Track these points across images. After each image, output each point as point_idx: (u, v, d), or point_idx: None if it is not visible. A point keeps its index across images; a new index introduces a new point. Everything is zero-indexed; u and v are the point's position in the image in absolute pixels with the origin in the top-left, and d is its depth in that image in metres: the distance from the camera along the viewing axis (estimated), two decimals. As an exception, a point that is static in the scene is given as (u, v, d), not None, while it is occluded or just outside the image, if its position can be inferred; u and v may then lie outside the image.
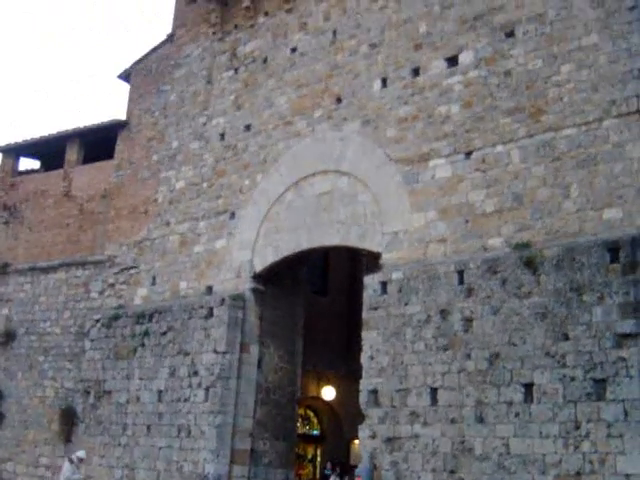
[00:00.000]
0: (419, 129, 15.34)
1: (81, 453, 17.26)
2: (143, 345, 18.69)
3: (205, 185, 19.28)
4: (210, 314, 17.44)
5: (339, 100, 17.02)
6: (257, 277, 17.56)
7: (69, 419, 20.10)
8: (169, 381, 17.70)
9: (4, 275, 23.82)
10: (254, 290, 17.54)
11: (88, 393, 19.59)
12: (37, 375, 21.63)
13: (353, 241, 16.01)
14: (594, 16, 13.56)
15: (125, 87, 23.06)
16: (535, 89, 13.89)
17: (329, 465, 20.02)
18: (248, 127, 18.80)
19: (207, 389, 16.85)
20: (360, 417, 14.55)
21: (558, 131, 13.40)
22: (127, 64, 23.37)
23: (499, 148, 14.07)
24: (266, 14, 19.50)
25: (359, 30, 17.16)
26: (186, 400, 17.16)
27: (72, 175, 23.36)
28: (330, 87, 17.27)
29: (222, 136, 19.35)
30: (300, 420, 22.22)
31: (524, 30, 14.40)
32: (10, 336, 22.73)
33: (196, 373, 17.18)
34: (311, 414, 24.33)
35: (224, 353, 16.88)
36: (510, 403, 12.31)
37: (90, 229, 22.25)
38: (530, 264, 12.71)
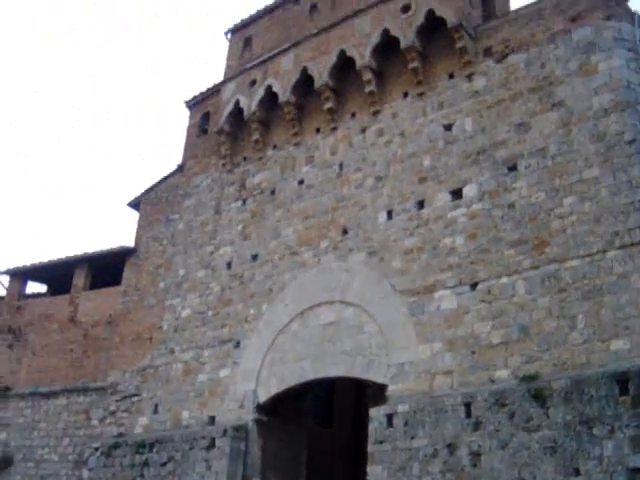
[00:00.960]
0: (424, 260, 15.46)
1: None
2: (142, 476, 18.21)
3: (210, 313, 19.28)
4: (212, 445, 17.07)
5: (345, 231, 17.25)
6: (260, 408, 17.27)
7: None
8: (167, 515, 17.18)
9: (4, 399, 23.52)
10: (257, 421, 17.22)
11: (84, 526, 19.00)
12: (32, 505, 21.02)
13: (358, 372, 15.84)
14: (594, 150, 13.94)
15: (134, 214, 23.48)
16: (538, 221, 14.10)
17: None
18: (255, 257, 18.98)
19: (203, 524, 16.33)
20: None
21: (563, 262, 13.50)
22: (137, 192, 23.86)
23: (504, 280, 14.14)
24: (275, 147, 20.07)
25: (365, 163, 17.59)
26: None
27: (78, 300, 23.44)
28: (336, 219, 17.55)
29: (229, 265, 19.51)
30: None
31: (526, 164, 14.76)
32: (7, 462, 22.22)
33: (195, 508, 16.69)
34: None
35: (225, 486, 16.43)
36: None
37: (94, 355, 22.13)
38: (538, 397, 12.53)
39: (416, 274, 15.47)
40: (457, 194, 15.59)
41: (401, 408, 14.28)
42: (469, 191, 15.40)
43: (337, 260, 17.11)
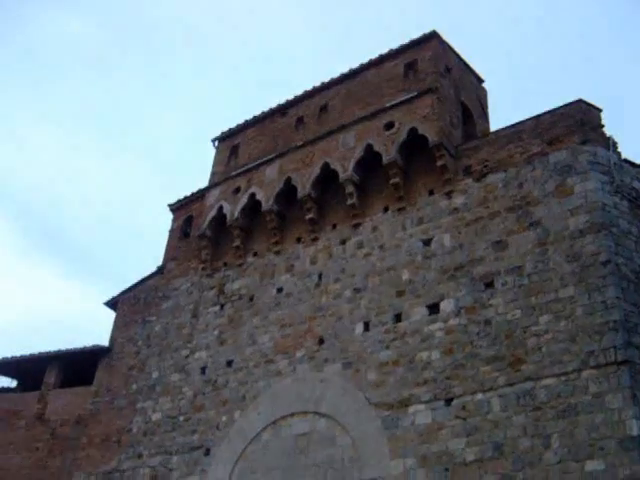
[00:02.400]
0: (399, 374, 15.45)
1: None
2: None
3: (182, 418, 18.98)
4: None
5: (321, 341, 17.26)
6: (227, 520, 16.85)
7: None
8: None
9: (-36, 502, 22.76)
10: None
11: None
12: None
13: (329, 485, 15.55)
14: (570, 269, 14.23)
15: (111, 314, 23.37)
16: (514, 338, 14.21)
17: None
18: (230, 363, 18.87)
19: None
20: None
21: (538, 381, 13.55)
22: (116, 291, 23.81)
23: (479, 396, 14.13)
24: (255, 254, 20.27)
25: (344, 274, 17.78)
26: None
27: (48, 398, 23.00)
28: (313, 328, 17.58)
29: (203, 370, 19.35)
30: None
31: (503, 281, 15.00)
32: None
33: None
34: None
35: None
36: None
37: (59, 455, 21.58)
38: (510, 521, 12.35)
39: (391, 387, 15.42)
40: (434, 308, 15.74)
41: (371, 526, 13.98)
42: (446, 306, 15.55)
43: (312, 370, 17.04)
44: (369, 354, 16.18)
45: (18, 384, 26.24)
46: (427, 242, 16.76)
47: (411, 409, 14.88)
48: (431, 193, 17.41)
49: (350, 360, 16.43)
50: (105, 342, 22.62)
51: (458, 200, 16.80)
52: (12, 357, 24.42)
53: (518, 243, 15.25)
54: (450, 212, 16.77)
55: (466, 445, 13.82)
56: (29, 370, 24.45)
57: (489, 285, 15.19)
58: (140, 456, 19.33)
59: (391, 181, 17.85)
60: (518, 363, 13.95)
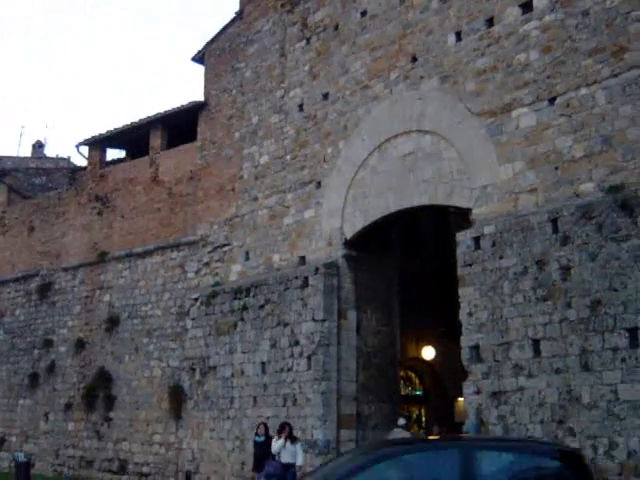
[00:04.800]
0: (499, 80, 15.06)
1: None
2: (243, 319, 19.09)
3: (289, 157, 19.44)
4: (305, 284, 17.67)
5: (414, 59, 16.81)
6: (348, 244, 17.67)
7: (177, 396, 20.77)
8: (271, 352, 18.06)
9: (103, 263, 24.62)
10: (346, 257, 17.68)
11: (194, 370, 20.16)
12: (143, 357, 22.38)
13: (441, 199, 15.90)
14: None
15: (200, 69, 23.37)
16: (615, 27, 13.43)
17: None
18: (326, 96, 18.81)
19: (309, 357, 17.14)
20: (462, 374, 14.55)
21: (642, 66, 12.97)
22: (199, 46, 23.62)
23: (583, 91, 13.69)
24: (333, -19, 19.41)
25: (429, -15, 16.90)
26: (289, 370, 17.49)
27: (158, 161, 23.88)
28: (404, 47, 17.09)
29: (300, 107, 19.43)
30: (402, 382, 22.39)
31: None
32: (114, 321, 23.55)
33: (297, 343, 17.48)
34: (413, 375, 24.48)
35: (322, 321, 17.11)
36: (615, 349, 12.06)
37: (180, 211, 22.74)
38: (625, 206, 12.37)
39: (492, 94, 15.12)
40: (527, 7, 14.89)
41: (487, 230, 14.37)
42: (539, 2, 14.70)
43: (409, 89, 16.81)
44: (465, 64, 15.72)
45: (127, 154, 27.27)
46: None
47: (514, 113, 14.63)
48: None
49: (446, 73, 16.04)
50: (201, 98, 22.83)
51: None
52: (119, 128, 25.12)
53: None
54: None
55: (574, 142, 13.64)
56: (135, 139, 25.23)
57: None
58: (256, 199, 20.13)
59: None
60: (621, 52, 13.24)
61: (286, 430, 15.00)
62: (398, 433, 15.23)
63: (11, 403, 26.41)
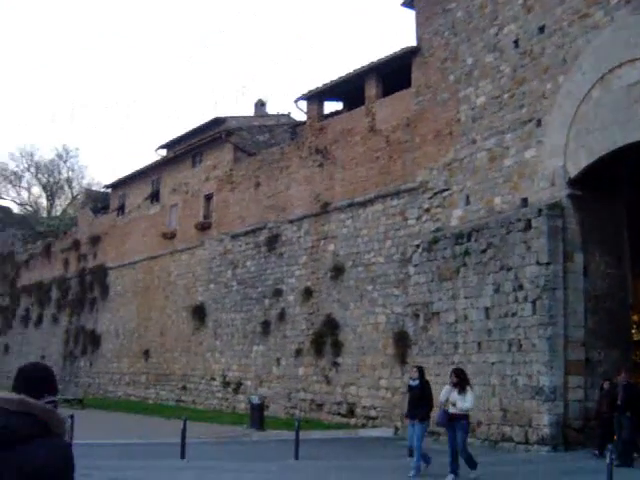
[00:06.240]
0: None
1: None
2: (465, 265, 18.87)
3: (506, 96, 18.78)
4: (528, 226, 17.10)
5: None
6: (572, 183, 16.87)
7: (402, 342, 21.07)
8: (494, 297, 17.74)
9: (326, 214, 25.27)
10: (571, 196, 16.89)
11: (417, 316, 20.29)
12: (368, 304, 22.85)
13: (673, 130, 14.74)
14: None
15: (410, 13, 23.04)
16: None
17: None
18: (542, 29, 17.90)
19: (534, 302, 16.64)
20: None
21: None
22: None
23: None
24: None
25: None
26: (514, 314, 17.10)
27: (374, 109, 24.00)
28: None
29: (516, 43, 18.65)
30: (634, 327, 21.20)
31: None
32: (339, 270, 24.18)
33: (521, 287, 17.02)
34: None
35: (547, 264, 16.52)
36: None
37: (399, 159, 22.78)
38: None
39: None
40: None
41: None
42: None
43: (632, 14, 15.59)
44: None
45: (344, 105, 27.63)
46: None
47: None
48: None
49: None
50: (413, 43, 22.57)
51: None
52: (335, 80, 25.49)
53: None
54: None
55: None
56: (350, 90, 25.49)
57: None
58: (474, 142, 19.71)
59: None
60: None
61: (453, 377, 13.07)
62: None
63: (246, 349, 28.09)
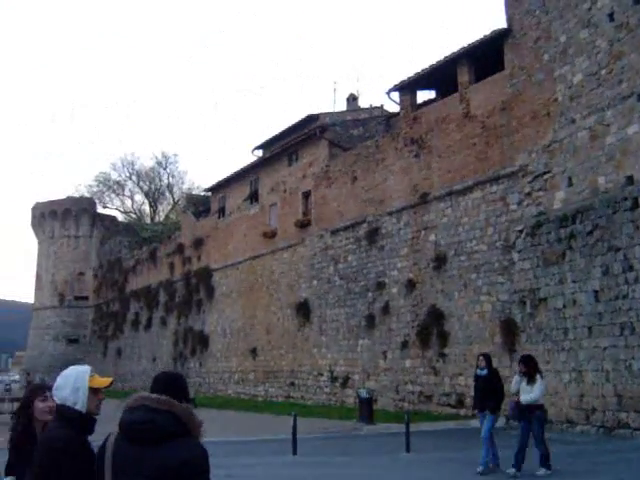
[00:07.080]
0: None
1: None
2: (571, 248, 18.37)
3: (604, 72, 18.17)
4: (636, 205, 16.50)
5: None
6: (679, 157, 16.21)
7: (510, 330, 20.69)
8: (604, 280, 17.19)
9: (425, 204, 25.08)
10: (679, 171, 16.24)
11: (524, 303, 19.88)
12: (472, 292, 22.56)
13: None
14: None
15: (501, -5, 22.60)
16: None
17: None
18: (637, 0, 17.23)
19: (646, 283, 16.07)
20: None
21: None
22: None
23: None
24: None
25: None
26: (624, 297, 16.53)
27: (468, 95, 23.66)
28: None
29: (610, 17, 18.01)
30: None
31: None
32: (441, 260, 23.96)
33: (631, 268, 16.43)
34: None
35: (658, 243, 15.93)
36: None
37: (495, 143, 22.39)
38: None
39: None
40: None
41: None
42: None
43: None
44: None
45: (437, 93, 27.36)
46: None
47: None
48: None
49: None
50: (503, 24, 22.13)
51: None
52: (426, 68, 25.26)
53: None
54: None
55: None
56: (442, 77, 25.22)
57: None
58: (573, 121, 19.16)
59: None
60: None
61: (521, 365, 12.31)
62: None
63: (351, 344, 28.16)
